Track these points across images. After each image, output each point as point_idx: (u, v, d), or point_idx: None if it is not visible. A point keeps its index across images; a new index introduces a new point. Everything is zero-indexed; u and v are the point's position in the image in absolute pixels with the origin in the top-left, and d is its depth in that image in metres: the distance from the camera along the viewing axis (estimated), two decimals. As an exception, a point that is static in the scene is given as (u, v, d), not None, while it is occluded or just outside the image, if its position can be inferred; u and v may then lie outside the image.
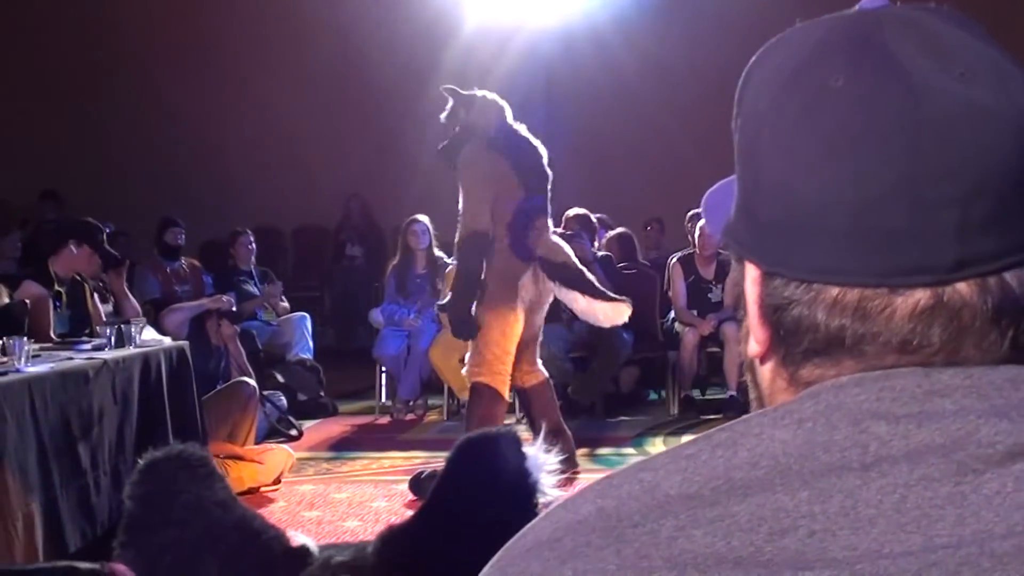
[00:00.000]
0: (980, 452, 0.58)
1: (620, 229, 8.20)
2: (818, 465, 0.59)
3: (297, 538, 2.06)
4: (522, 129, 5.51)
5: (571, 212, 7.48)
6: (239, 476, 5.19)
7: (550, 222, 5.64)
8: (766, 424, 0.62)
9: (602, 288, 5.62)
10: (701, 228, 7.26)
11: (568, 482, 5.00)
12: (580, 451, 5.78)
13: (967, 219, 0.60)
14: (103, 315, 5.84)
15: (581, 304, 5.54)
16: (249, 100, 10.59)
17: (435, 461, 5.58)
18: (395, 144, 9.95)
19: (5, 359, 4.16)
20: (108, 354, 4.65)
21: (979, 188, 0.60)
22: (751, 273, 0.67)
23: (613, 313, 5.58)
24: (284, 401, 6.96)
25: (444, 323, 7.18)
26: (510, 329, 5.43)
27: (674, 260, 7.57)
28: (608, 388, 7.53)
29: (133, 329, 4.98)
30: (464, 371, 5.54)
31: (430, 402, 7.59)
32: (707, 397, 7.70)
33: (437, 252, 7.69)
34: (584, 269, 5.61)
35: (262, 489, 5.40)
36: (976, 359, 0.61)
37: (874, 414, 0.60)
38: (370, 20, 10.10)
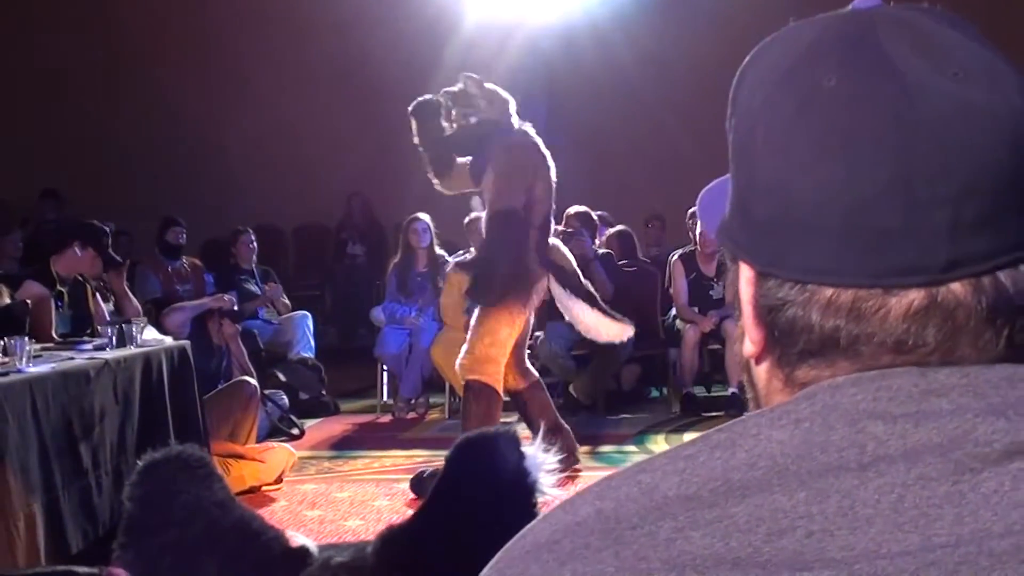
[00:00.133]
0: (977, 451, 0.58)
1: (620, 227, 8.20)
2: (815, 465, 0.59)
3: (296, 538, 2.06)
4: (531, 129, 5.55)
5: (572, 210, 7.48)
6: (241, 475, 5.20)
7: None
8: (763, 425, 0.61)
9: (603, 304, 5.65)
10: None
11: (569, 480, 5.01)
12: (581, 449, 5.78)
13: (960, 219, 0.60)
14: (105, 315, 5.85)
15: (587, 319, 5.56)
16: (250, 99, 10.59)
17: (436, 460, 5.57)
18: (396, 142, 9.89)
19: (7, 359, 4.16)
20: (109, 354, 4.65)
21: (972, 188, 0.60)
22: (745, 273, 0.67)
23: (617, 332, 5.63)
24: (285, 400, 6.96)
25: (445, 321, 7.21)
26: (515, 331, 5.44)
27: (675, 257, 7.56)
28: (609, 386, 7.53)
29: (134, 329, 4.98)
30: (457, 367, 5.52)
31: (432, 400, 7.59)
32: (711, 394, 7.69)
33: (438, 250, 7.69)
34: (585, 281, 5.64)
35: (264, 488, 5.41)
36: (972, 358, 0.61)
37: (871, 414, 0.60)
38: (371, 18, 10.10)
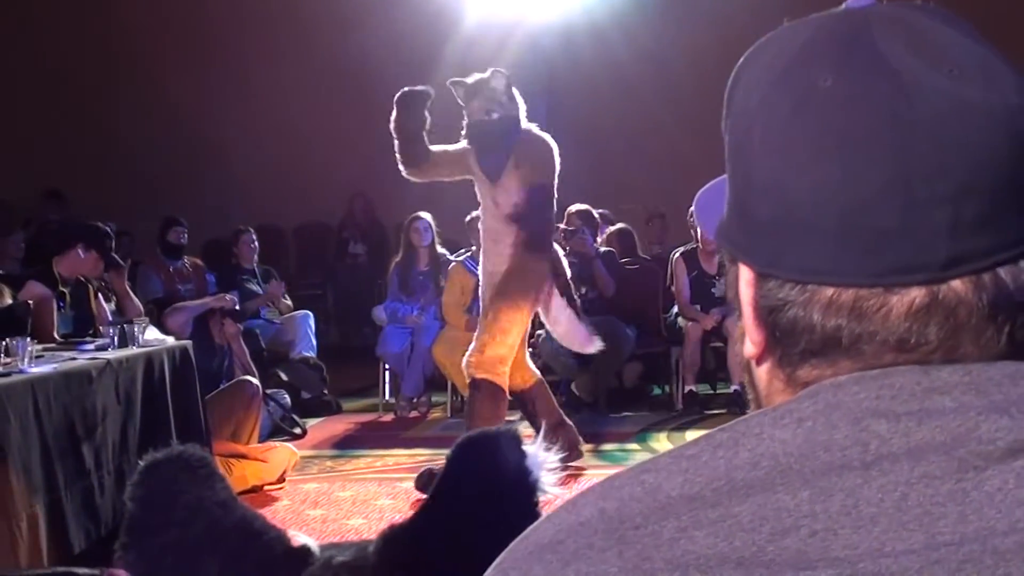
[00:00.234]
0: (981, 449, 0.58)
1: (620, 225, 8.19)
2: (819, 464, 0.59)
3: (298, 538, 2.06)
4: (536, 129, 5.59)
5: (573, 208, 7.47)
6: (243, 475, 5.20)
7: None
8: (766, 424, 0.61)
9: (582, 315, 5.76)
10: (703, 223, 7.24)
11: (572, 479, 5.01)
12: (584, 447, 5.78)
13: (960, 216, 0.60)
14: (107, 315, 5.85)
15: (563, 327, 5.62)
16: (251, 98, 10.59)
17: (439, 459, 5.57)
18: (396, 141, 9.95)
19: (9, 360, 4.16)
20: (111, 354, 4.65)
21: (971, 185, 0.60)
22: (745, 275, 0.67)
23: (587, 344, 5.69)
24: (287, 399, 6.96)
25: (447, 319, 7.21)
26: (522, 328, 5.45)
27: (677, 255, 7.56)
28: (611, 383, 7.53)
29: (136, 329, 4.98)
30: (465, 365, 5.51)
31: (434, 399, 7.60)
32: (715, 392, 7.68)
33: (440, 249, 7.69)
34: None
35: (266, 488, 5.41)
36: (974, 356, 0.61)
37: (874, 412, 0.60)
38: (371, 16, 10.10)
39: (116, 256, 5.99)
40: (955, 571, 0.55)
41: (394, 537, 1.99)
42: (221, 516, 1.91)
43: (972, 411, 0.59)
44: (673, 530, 0.58)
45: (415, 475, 5.37)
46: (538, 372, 5.77)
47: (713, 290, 7.40)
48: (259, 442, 5.82)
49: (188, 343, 5.35)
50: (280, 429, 6.58)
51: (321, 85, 10.73)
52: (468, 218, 6.73)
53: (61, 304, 5.57)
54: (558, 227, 6.83)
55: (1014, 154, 0.60)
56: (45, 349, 4.75)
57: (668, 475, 0.61)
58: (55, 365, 4.29)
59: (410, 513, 2.07)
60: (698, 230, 7.45)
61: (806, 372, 0.65)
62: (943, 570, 0.55)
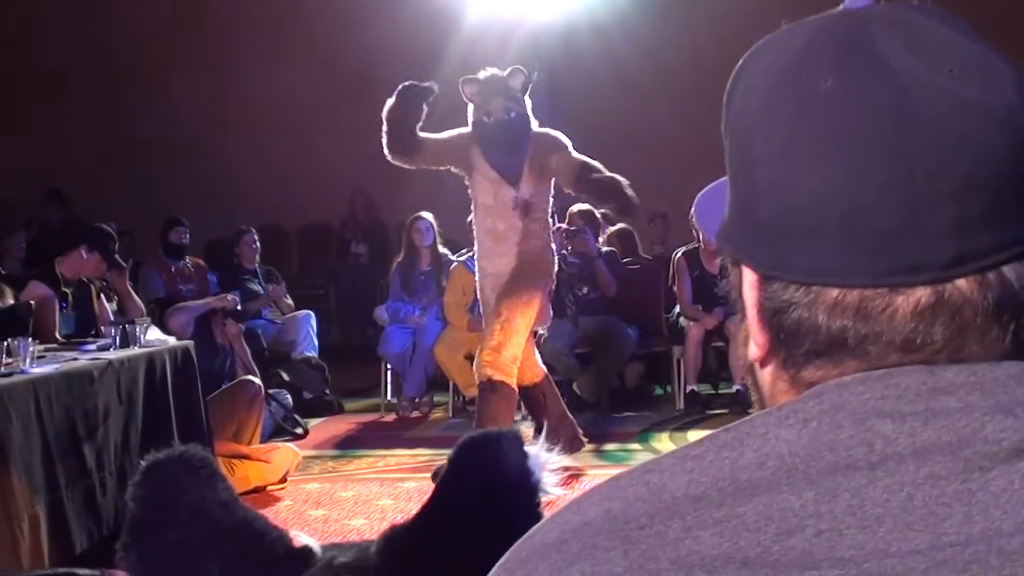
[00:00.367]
0: (986, 449, 0.58)
1: (620, 224, 8.18)
2: (824, 464, 0.59)
3: (300, 538, 2.06)
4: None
5: (575, 208, 7.47)
6: (245, 475, 5.20)
7: None
8: (771, 424, 0.61)
9: None
10: (706, 223, 7.24)
11: (574, 479, 5.01)
12: (585, 447, 5.78)
13: (963, 215, 0.60)
14: (109, 315, 5.85)
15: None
16: (253, 98, 10.60)
17: (441, 459, 5.58)
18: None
19: (10, 360, 4.16)
20: (113, 354, 4.65)
21: (973, 184, 0.60)
22: (749, 277, 0.67)
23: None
24: (289, 399, 6.96)
25: (449, 319, 7.21)
26: (531, 323, 5.46)
27: (679, 254, 7.55)
28: (613, 384, 7.53)
29: (138, 329, 4.98)
30: (479, 365, 5.46)
31: (436, 399, 7.60)
32: (718, 392, 7.68)
33: (441, 249, 7.69)
34: None
35: (268, 488, 5.41)
36: (979, 356, 0.61)
37: (879, 412, 0.60)
38: (373, 15, 10.10)
39: (120, 260, 6.00)
40: (961, 572, 0.55)
41: (396, 537, 1.99)
42: (223, 516, 1.91)
43: (977, 411, 0.59)
44: (678, 530, 0.58)
45: (417, 475, 5.37)
46: (544, 368, 5.76)
47: (715, 290, 7.39)
48: (261, 442, 5.82)
49: (190, 343, 5.35)
50: (282, 429, 6.58)
51: (323, 84, 10.73)
52: (469, 218, 6.73)
53: (63, 304, 5.57)
54: (560, 227, 6.83)
55: (1015, 152, 0.60)
56: (47, 349, 4.75)
57: (673, 475, 0.61)
58: (57, 365, 4.29)
59: (412, 513, 2.06)
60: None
61: (811, 373, 0.65)
62: (949, 571, 0.55)
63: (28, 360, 4.15)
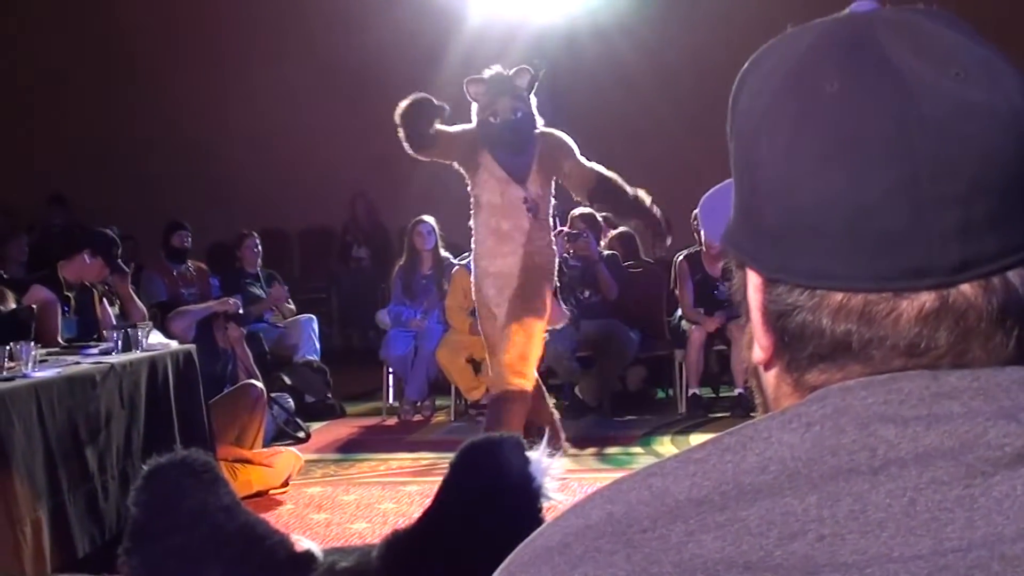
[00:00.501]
0: (989, 454, 0.57)
1: (622, 228, 8.18)
2: (826, 469, 0.59)
3: (301, 543, 2.06)
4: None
5: (576, 211, 7.47)
6: (247, 480, 5.20)
7: None
8: (774, 428, 0.61)
9: None
10: (708, 226, 7.24)
11: (576, 483, 5.00)
12: (587, 451, 5.78)
13: (968, 218, 0.60)
14: (112, 320, 5.85)
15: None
16: (254, 101, 10.60)
17: (443, 462, 5.57)
18: (399, 144, 9.95)
19: (12, 364, 4.16)
20: (115, 358, 4.65)
21: (978, 188, 0.60)
22: (753, 280, 0.67)
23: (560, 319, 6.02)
24: (291, 403, 6.96)
25: (450, 323, 7.20)
26: (545, 325, 5.49)
27: (681, 258, 7.54)
28: (615, 387, 7.53)
29: (140, 333, 4.98)
30: (504, 373, 5.40)
31: (437, 403, 7.60)
32: (719, 395, 7.68)
33: (443, 253, 7.69)
34: None
35: (270, 492, 5.40)
36: (983, 360, 0.61)
37: (882, 417, 0.60)
38: (375, 17, 10.11)
39: (123, 264, 6.00)
40: (963, 577, 0.54)
41: (397, 542, 1.98)
42: (224, 521, 1.91)
43: (981, 416, 0.58)
44: (681, 534, 0.58)
45: (419, 479, 5.36)
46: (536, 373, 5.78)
47: (717, 293, 7.39)
48: (263, 446, 5.82)
49: (192, 347, 5.35)
50: (284, 433, 6.58)
51: (324, 88, 10.73)
52: (471, 221, 6.73)
53: (65, 308, 5.58)
54: (561, 230, 6.83)
55: (1020, 155, 0.60)
56: (49, 353, 4.75)
57: (675, 479, 0.61)
58: (59, 369, 4.28)
59: (414, 518, 2.06)
60: (701, 233, 7.44)
61: (814, 377, 0.65)
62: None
63: (30, 364, 4.15)
